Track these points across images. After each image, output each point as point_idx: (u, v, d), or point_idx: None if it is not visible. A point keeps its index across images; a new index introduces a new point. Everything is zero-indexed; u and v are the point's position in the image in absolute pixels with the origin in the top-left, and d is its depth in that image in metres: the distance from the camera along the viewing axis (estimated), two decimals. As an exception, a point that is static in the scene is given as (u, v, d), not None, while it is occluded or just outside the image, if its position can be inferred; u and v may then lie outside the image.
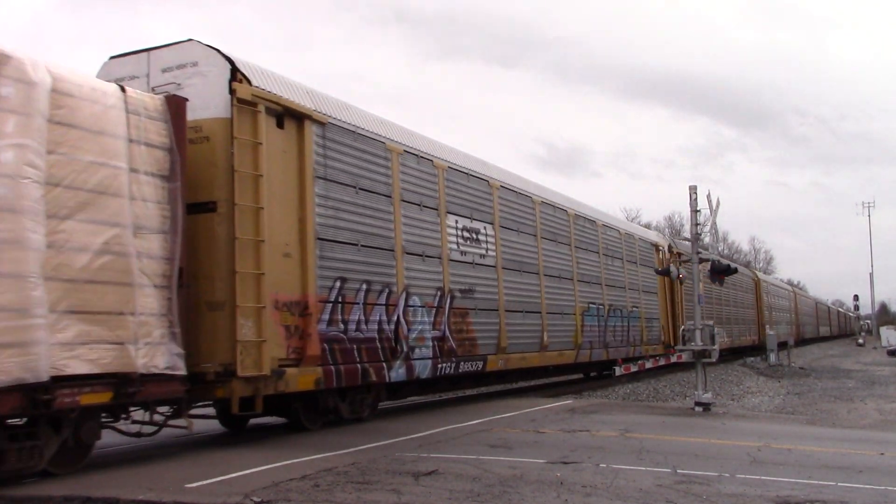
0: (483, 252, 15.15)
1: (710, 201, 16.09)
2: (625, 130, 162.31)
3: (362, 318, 11.49)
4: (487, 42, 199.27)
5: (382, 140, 12.60)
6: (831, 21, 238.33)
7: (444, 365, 13.46)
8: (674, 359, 16.75)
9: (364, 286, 11.64)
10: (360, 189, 11.86)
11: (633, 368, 18.09)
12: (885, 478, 7.99)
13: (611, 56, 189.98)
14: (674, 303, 27.04)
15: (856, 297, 79.37)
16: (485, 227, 15.36)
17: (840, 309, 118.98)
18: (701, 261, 16.36)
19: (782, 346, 36.03)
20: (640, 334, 23.59)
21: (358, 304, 11.49)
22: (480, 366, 14.65)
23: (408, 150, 13.31)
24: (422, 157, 13.75)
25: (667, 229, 76.70)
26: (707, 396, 15.07)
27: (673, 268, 19.04)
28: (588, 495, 6.80)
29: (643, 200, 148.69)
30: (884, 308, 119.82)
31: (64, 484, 7.18)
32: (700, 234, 16.60)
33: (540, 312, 17.25)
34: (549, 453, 8.96)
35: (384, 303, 12.04)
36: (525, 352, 16.46)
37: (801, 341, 59.30)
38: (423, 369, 12.85)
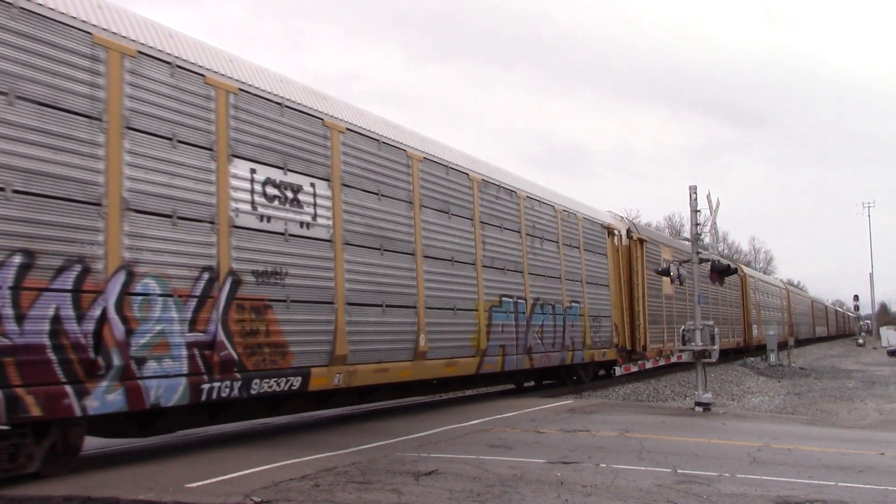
0: (307, 219, 10.58)
1: (710, 201, 16.11)
2: (623, 130, 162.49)
3: (11, 312, 6.97)
4: (485, 42, 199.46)
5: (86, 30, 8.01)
6: (828, 21, 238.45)
7: (218, 385, 8.94)
8: (674, 359, 16.74)
9: (18, 259, 7.10)
10: (19, 98, 7.30)
11: (634, 368, 18.10)
12: (885, 478, 7.99)
13: (609, 56, 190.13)
14: (633, 298, 23.01)
15: (856, 297, 79.31)
16: (312, 184, 10.78)
17: (838, 308, 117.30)
18: (701, 261, 16.36)
19: (782, 346, 36.03)
20: (581, 336, 19.13)
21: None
22: (298, 383, 10.15)
23: (144, 50, 8.64)
24: (177, 65, 9.00)
25: (667, 229, 76.70)
26: (707, 396, 15.07)
27: (674, 268, 18.36)
28: (588, 495, 6.80)
29: (643, 200, 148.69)
30: (884, 308, 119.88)
31: (64, 484, 7.18)
32: (700, 234, 16.61)
33: (415, 307, 12.68)
34: (549, 453, 8.96)
35: (71, 287, 7.49)
36: (386, 361, 11.89)
37: (796, 342, 52.91)
38: (165, 393, 8.29)
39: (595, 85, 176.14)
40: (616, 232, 22.33)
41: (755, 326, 41.55)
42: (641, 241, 23.91)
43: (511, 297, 15.90)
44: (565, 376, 19.91)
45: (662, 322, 25.38)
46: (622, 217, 24.98)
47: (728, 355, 34.84)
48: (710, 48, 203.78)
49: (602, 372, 22.39)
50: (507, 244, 16.07)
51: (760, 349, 40.53)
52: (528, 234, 16.99)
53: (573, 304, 18.82)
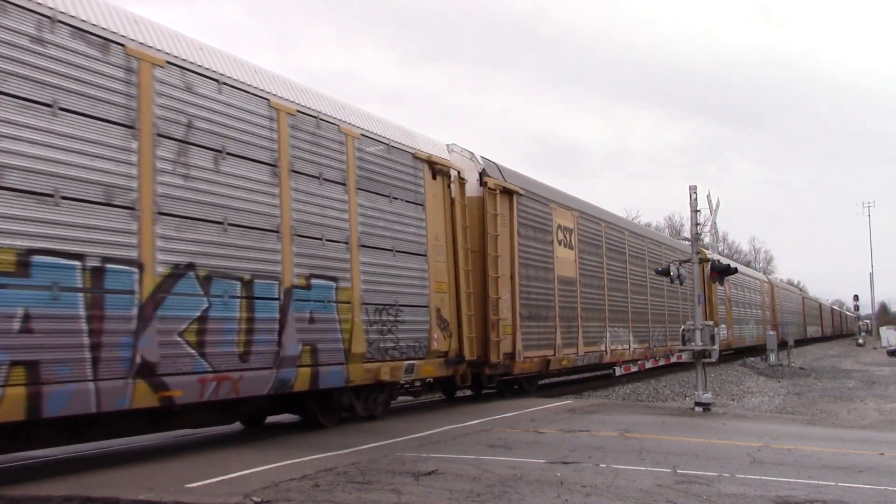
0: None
1: (709, 201, 16.11)
2: (620, 130, 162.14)
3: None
4: (480, 41, 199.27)
5: None
6: (824, 20, 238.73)
7: None
8: (674, 359, 16.73)
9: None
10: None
11: (634, 368, 18.08)
12: (885, 478, 7.99)
13: (604, 55, 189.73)
14: (486, 280, 14.98)
15: (856, 297, 79.18)
16: None
17: (835, 307, 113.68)
18: (702, 261, 16.36)
19: (782, 346, 36.00)
20: (340, 339, 11.16)
21: None
22: None
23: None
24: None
25: (667, 229, 76.64)
26: (707, 396, 15.08)
27: (673, 267, 18.04)
28: (588, 495, 6.80)
29: (642, 200, 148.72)
30: (884, 308, 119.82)
31: (64, 484, 7.19)
32: (700, 234, 16.60)
33: None
34: (549, 453, 8.96)
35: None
36: None
37: (780, 345, 41.74)
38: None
39: (591, 84, 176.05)
40: (452, 173, 14.21)
41: (724, 326, 34.40)
42: (509, 192, 15.74)
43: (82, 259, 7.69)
44: (316, 410, 11.60)
45: (555, 318, 17.82)
46: (473, 154, 15.52)
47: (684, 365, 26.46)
48: (705, 47, 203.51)
49: (441, 396, 16.67)
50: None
51: (738, 354, 37.34)
52: (228, 154, 9.54)
53: (318, 282, 10.84)
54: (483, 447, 9.44)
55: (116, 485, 7.10)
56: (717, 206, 16.15)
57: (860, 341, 65.35)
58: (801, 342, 56.39)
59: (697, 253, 16.15)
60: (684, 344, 15.62)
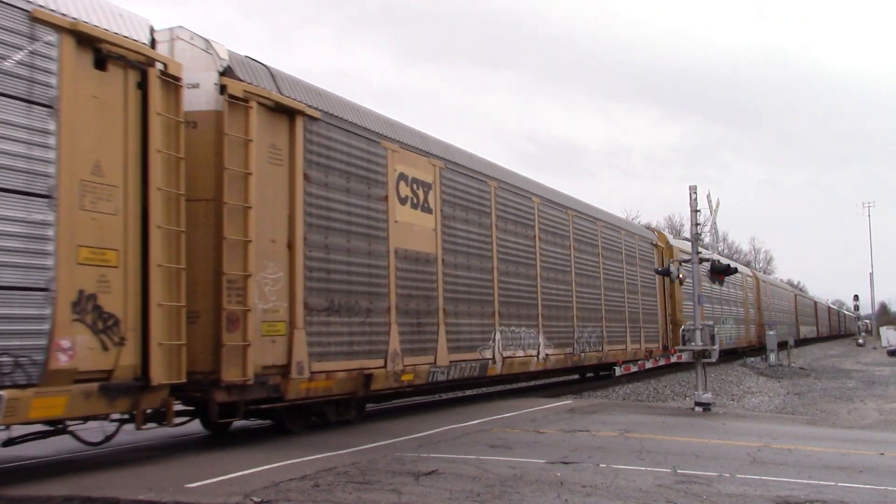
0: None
1: (709, 201, 16.11)
2: (616, 129, 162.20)
3: None
4: (476, 41, 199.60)
5: None
6: (822, 20, 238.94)
7: None
8: (674, 359, 16.74)
9: None
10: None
11: (633, 368, 18.07)
12: (885, 478, 7.99)
13: (600, 55, 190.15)
14: (292, 266, 10.31)
15: (856, 297, 79.14)
16: None
17: (832, 306, 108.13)
18: (704, 261, 16.35)
19: (782, 345, 35.96)
20: None
21: None
22: None
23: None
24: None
25: (667, 229, 76.57)
26: (707, 396, 15.08)
27: (673, 267, 17.96)
28: (588, 495, 6.80)
29: (641, 200, 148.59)
30: (884, 308, 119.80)
31: (64, 484, 7.18)
32: (700, 234, 16.60)
33: None
34: (549, 453, 8.96)
35: None
36: None
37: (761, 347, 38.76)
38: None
39: (587, 84, 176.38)
40: (154, 68, 8.57)
41: (671, 326, 28.44)
42: (288, 112, 10.49)
43: None
44: None
45: (388, 311, 12.14)
46: (210, 45, 9.80)
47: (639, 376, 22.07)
48: (703, 47, 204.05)
49: None
50: None
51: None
52: None
53: None
54: (483, 447, 9.44)
55: (116, 485, 7.10)
56: (717, 206, 16.16)
57: (860, 341, 65.33)
58: (782, 346, 43.48)
59: (697, 252, 16.13)
60: (684, 344, 15.63)
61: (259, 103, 9.84)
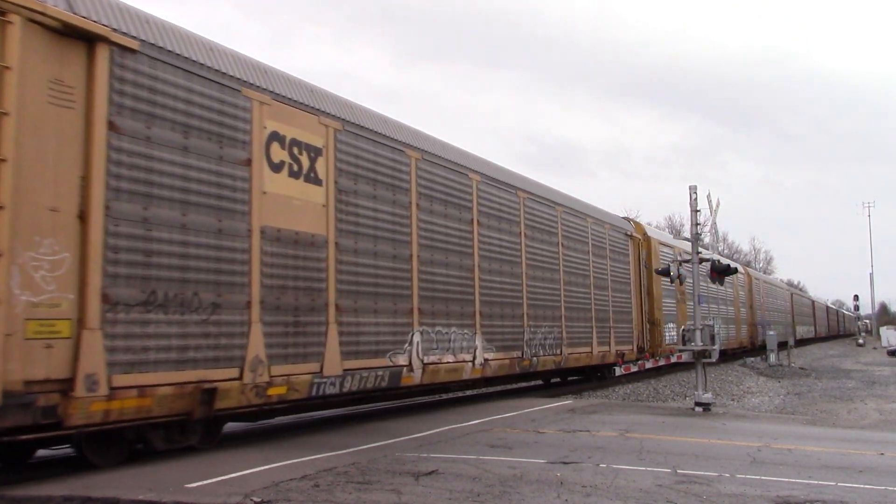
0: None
1: (710, 201, 16.11)
2: (616, 129, 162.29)
3: None
4: (475, 41, 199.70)
5: None
6: (820, 20, 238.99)
7: None
8: (674, 359, 16.75)
9: None
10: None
11: (634, 368, 18.08)
12: (885, 478, 7.99)
13: (599, 55, 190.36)
14: (85, 244, 7.69)
15: (856, 297, 79.19)
16: None
17: (831, 305, 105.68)
18: (699, 261, 16.35)
19: (782, 346, 35.96)
20: None
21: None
22: None
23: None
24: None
25: (667, 229, 76.58)
26: (707, 396, 15.08)
27: (673, 267, 17.90)
28: (588, 495, 6.80)
29: (641, 200, 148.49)
30: (884, 308, 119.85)
31: (64, 484, 7.18)
32: (700, 234, 16.60)
33: None
34: (549, 453, 8.96)
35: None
36: None
37: (758, 347, 39.66)
38: None
39: (586, 84, 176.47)
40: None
41: (672, 325, 25.80)
42: (81, 35, 7.87)
43: None
44: None
45: (246, 306, 9.58)
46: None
47: (586, 372, 20.90)
48: (702, 47, 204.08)
49: None
50: None
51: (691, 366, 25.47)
52: None
53: None
54: (483, 447, 9.44)
55: (116, 485, 7.10)
56: (717, 206, 16.16)
57: (860, 341, 65.35)
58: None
59: (698, 253, 16.14)
60: (684, 344, 15.63)
61: (31, 20, 7.30)
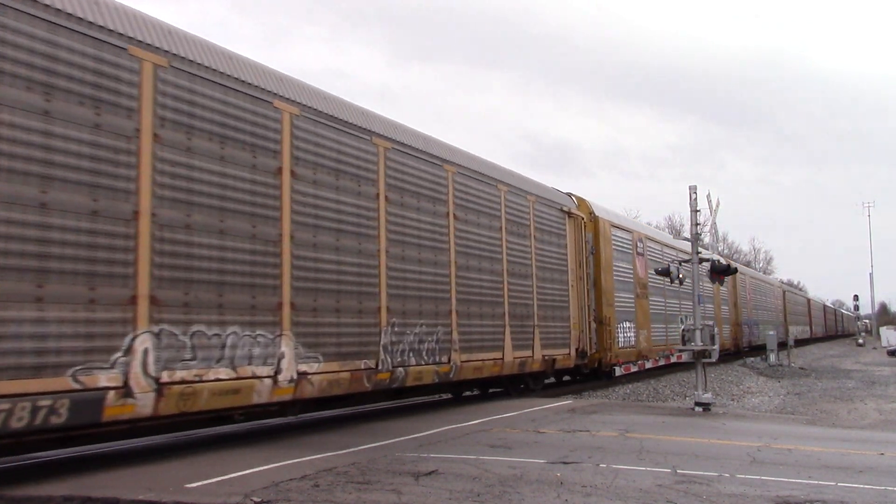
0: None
1: (709, 201, 16.11)
2: (613, 129, 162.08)
3: None
4: (470, 41, 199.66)
5: None
6: (817, 19, 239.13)
7: None
8: (674, 359, 16.73)
9: None
10: None
11: (634, 368, 18.06)
12: (885, 478, 7.99)
13: (595, 55, 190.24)
14: None
15: (856, 297, 79.17)
16: None
17: (827, 303, 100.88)
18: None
19: (782, 345, 35.93)
20: None
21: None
22: None
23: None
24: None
25: (667, 229, 76.58)
26: (707, 396, 15.08)
27: (673, 267, 17.82)
28: (588, 495, 6.81)
29: (640, 200, 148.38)
30: (884, 308, 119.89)
31: (64, 484, 7.18)
32: (700, 234, 16.61)
33: None
34: (549, 453, 8.96)
35: None
36: None
37: (747, 349, 38.27)
38: None
39: (582, 84, 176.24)
40: None
41: (630, 324, 21.90)
42: None
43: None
44: None
45: None
46: None
47: (524, 380, 17.45)
48: (699, 46, 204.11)
49: None
50: None
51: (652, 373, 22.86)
52: None
53: None
54: (483, 447, 9.44)
55: (116, 485, 7.10)
56: (717, 206, 16.16)
57: (860, 341, 65.35)
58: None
59: (697, 252, 16.13)
60: (684, 344, 15.64)
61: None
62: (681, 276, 16.83)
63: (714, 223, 17.50)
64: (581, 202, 20.52)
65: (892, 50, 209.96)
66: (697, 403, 14.87)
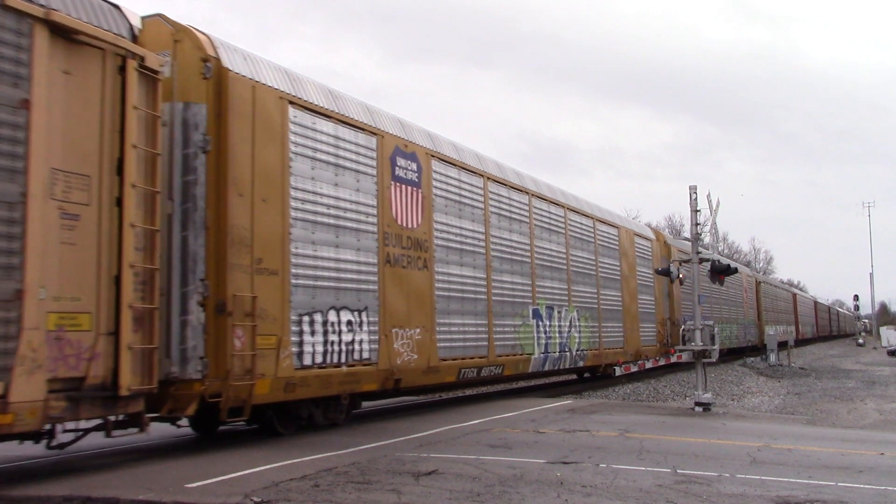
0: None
1: (710, 201, 16.11)
2: (609, 128, 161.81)
3: None
4: (464, 40, 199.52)
5: None
6: (814, 19, 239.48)
7: None
8: (674, 359, 16.73)
9: None
10: None
11: (634, 368, 18.06)
12: (885, 478, 7.99)
13: (590, 54, 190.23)
14: None
15: (856, 297, 79.09)
16: None
17: (820, 301, 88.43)
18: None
19: (783, 345, 35.91)
20: None
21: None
22: None
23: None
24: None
25: (666, 229, 76.62)
26: (707, 396, 15.08)
27: (673, 267, 17.90)
28: (588, 495, 6.81)
29: (639, 200, 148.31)
30: (884, 308, 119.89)
31: (64, 484, 7.19)
32: (700, 234, 16.61)
33: None
34: (549, 453, 8.96)
35: None
36: None
37: (735, 351, 34.67)
38: None
39: (578, 83, 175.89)
40: None
41: (567, 329, 18.18)
42: None
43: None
44: None
45: None
46: None
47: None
48: (694, 45, 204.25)
49: None
50: None
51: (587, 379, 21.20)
52: None
53: None
54: (483, 447, 9.44)
55: (116, 485, 7.10)
56: (718, 206, 16.16)
57: (860, 341, 65.36)
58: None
59: (698, 253, 16.14)
60: (684, 344, 15.64)
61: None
62: (682, 274, 16.79)
63: (714, 223, 17.48)
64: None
65: (888, 47, 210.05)
66: (697, 403, 14.87)
